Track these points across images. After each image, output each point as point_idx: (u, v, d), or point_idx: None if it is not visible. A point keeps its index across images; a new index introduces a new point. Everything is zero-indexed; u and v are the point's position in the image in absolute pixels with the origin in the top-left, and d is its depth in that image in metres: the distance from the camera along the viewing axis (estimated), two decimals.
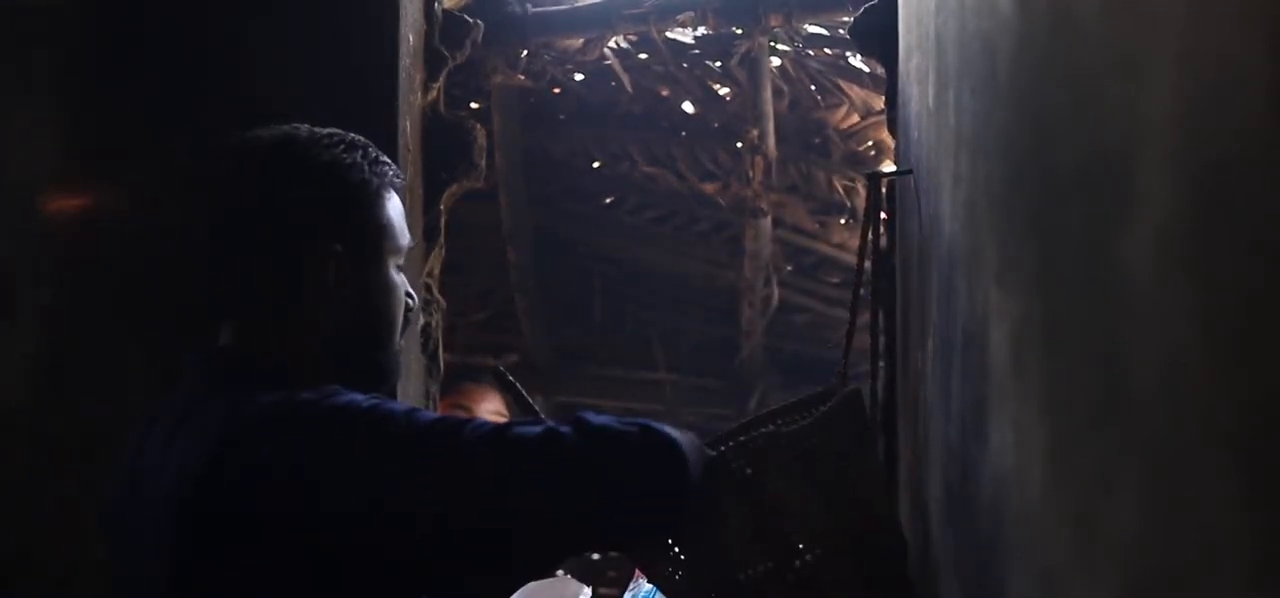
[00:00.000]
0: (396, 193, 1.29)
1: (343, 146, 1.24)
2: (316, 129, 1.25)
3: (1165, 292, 0.52)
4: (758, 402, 3.84)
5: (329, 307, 1.21)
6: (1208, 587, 0.47)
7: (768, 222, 3.44)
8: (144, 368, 1.97)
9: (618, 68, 3.15)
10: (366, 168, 1.24)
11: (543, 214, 3.75)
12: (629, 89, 3.27)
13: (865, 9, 2.18)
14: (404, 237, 1.28)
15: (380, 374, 1.27)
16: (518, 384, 1.47)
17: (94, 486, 1.31)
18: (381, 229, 1.25)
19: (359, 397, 1.13)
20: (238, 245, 1.22)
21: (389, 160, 1.29)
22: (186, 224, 1.30)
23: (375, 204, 1.25)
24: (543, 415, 1.37)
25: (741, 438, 1.35)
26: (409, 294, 1.30)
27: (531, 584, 2.29)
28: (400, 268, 1.28)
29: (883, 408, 1.80)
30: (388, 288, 1.26)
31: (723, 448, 1.31)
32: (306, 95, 1.97)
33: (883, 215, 1.72)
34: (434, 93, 2.19)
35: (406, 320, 1.31)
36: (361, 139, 1.27)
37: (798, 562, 1.31)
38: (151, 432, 1.21)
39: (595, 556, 4.65)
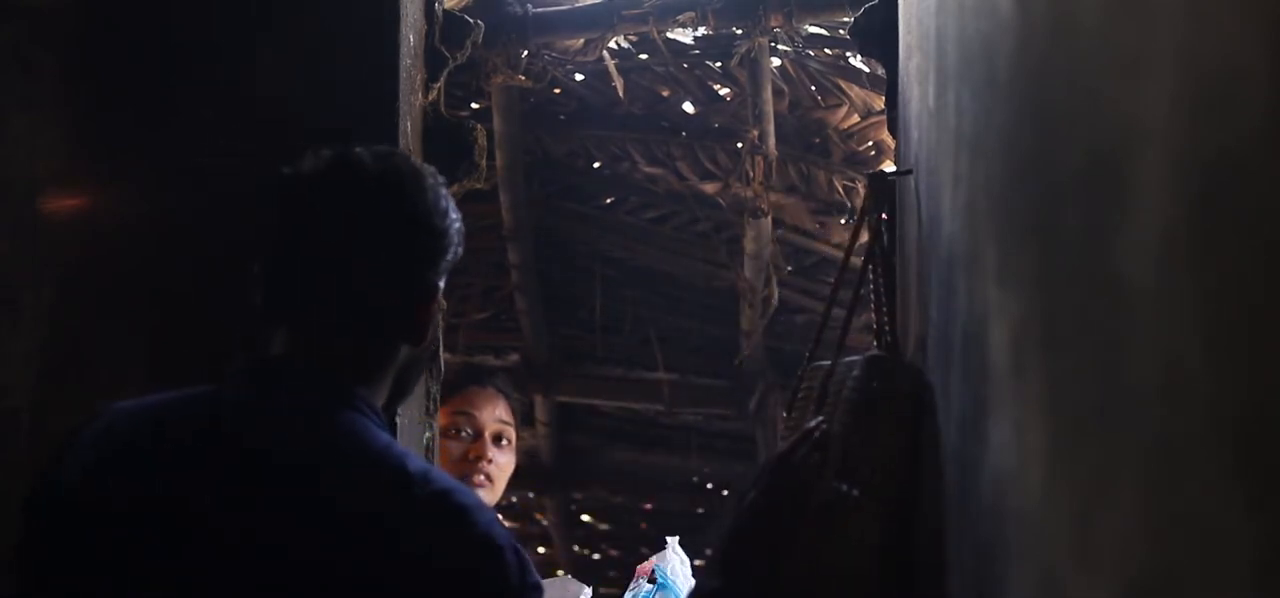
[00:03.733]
0: None
1: (444, 190, 1.28)
2: (424, 165, 1.29)
3: (1165, 292, 0.52)
4: (758, 402, 3.84)
5: (422, 338, 1.25)
6: (1208, 587, 0.47)
7: (768, 222, 3.44)
8: (145, 368, 1.97)
9: (613, 70, 3.15)
10: (458, 219, 1.29)
11: (543, 214, 3.75)
12: (622, 94, 3.27)
13: (865, 9, 2.18)
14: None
15: (405, 400, 1.35)
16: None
17: None
18: (446, 281, 1.31)
19: (508, 541, 1.15)
20: (347, 262, 1.22)
21: None
22: (275, 224, 1.25)
23: (456, 254, 1.30)
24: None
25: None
26: None
27: None
28: None
29: None
30: (437, 333, 1.35)
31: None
32: (307, 95, 1.97)
33: (883, 215, 1.72)
34: (434, 93, 2.19)
35: None
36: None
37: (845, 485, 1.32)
38: (154, 429, 1.20)
39: (596, 555, 4.65)
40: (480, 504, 1.16)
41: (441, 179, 1.29)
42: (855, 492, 1.32)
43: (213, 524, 1.12)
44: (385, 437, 1.18)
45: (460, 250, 1.30)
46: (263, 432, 1.16)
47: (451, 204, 1.28)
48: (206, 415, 1.19)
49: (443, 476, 1.18)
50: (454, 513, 1.12)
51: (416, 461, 1.17)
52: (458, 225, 1.28)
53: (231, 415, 1.18)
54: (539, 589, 1.15)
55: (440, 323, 1.34)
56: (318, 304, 1.22)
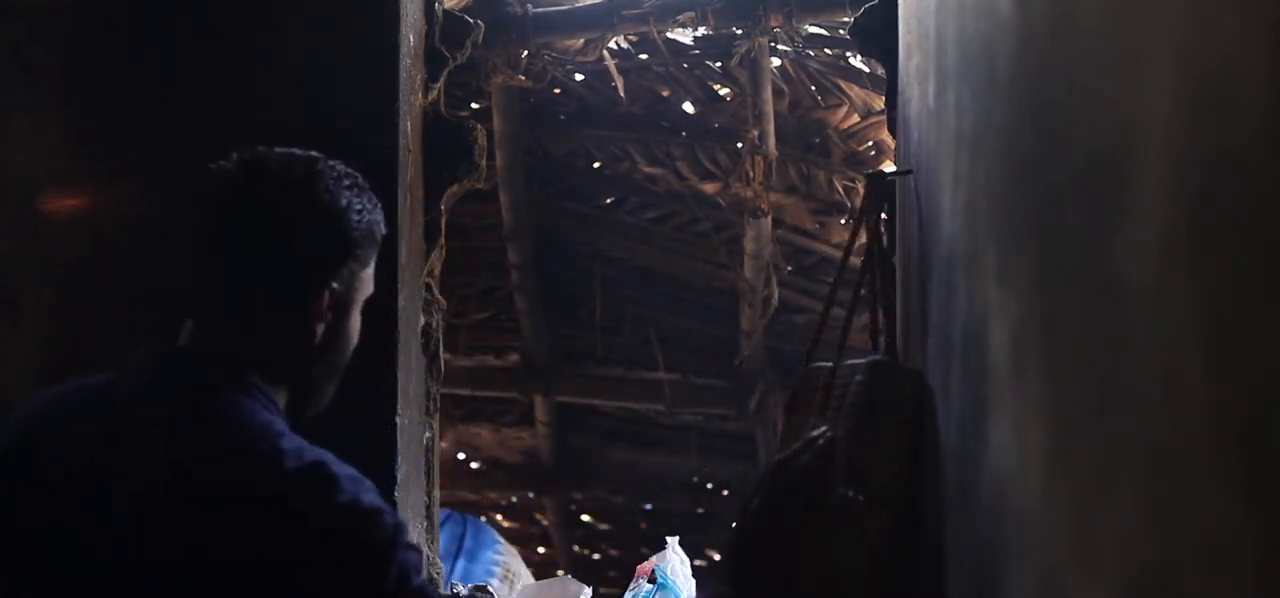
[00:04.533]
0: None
1: (358, 191, 1.31)
2: (338, 166, 1.31)
3: (1165, 291, 0.52)
4: (758, 402, 3.84)
5: (311, 339, 1.28)
6: (1208, 587, 0.47)
7: (768, 222, 3.44)
8: None
9: (613, 70, 3.16)
10: (375, 221, 1.33)
11: (543, 214, 3.75)
12: (622, 94, 3.27)
13: (865, 9, 2.18)
14: (371, 287, 1.36)
15: (315, 403, 1.37)
16: None
17: None
18: (366, 279, 1.33)
19: (381, 506, 1.19)
20: (246, 259, 1.27)
21: (382, 213, 1.36)
22: (194, 222, 1.32)
23: (370, 256, 1.33)
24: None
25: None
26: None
27: (533, 584, 2.30)
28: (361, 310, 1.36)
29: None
30: (354, 333, 1.34)
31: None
32: (307, 95, 1.97)
33: (882, 215, 1.72)
34: (434, 93, 2.19)
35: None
36: (369, 187, 1.34)
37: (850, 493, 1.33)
38: (62, 416, 1.25)
39: (596, 555, 4.66)
40: (353, 475, 1.19)
41: (350, 178, 1.31)
42: (860, 497, 1.33)
43: (93, 507, 1.18)
44: (266, 416, 1.22)
45: (368, 249, 1.31)
46: (147, 414, 1.22)
47: (359, 202, 1.30)
48: (102, 401, 1.26)
49: (319, 451, 1.21)
50: (324, 481, 1.16)
51: (294, 438, 1.21)
52: (362, 223, 1.30)
53: (123, 399, 1.24)
54: (416, 552, 1.20)
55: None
56: (211, 301, 1.29)
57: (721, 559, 1.36)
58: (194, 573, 1.15)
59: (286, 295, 1.28)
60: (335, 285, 1.28)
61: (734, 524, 1.36)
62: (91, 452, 1.21)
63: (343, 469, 1.19)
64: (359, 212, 1.30)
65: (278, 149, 1.30)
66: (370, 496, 1.18)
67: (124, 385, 1.26)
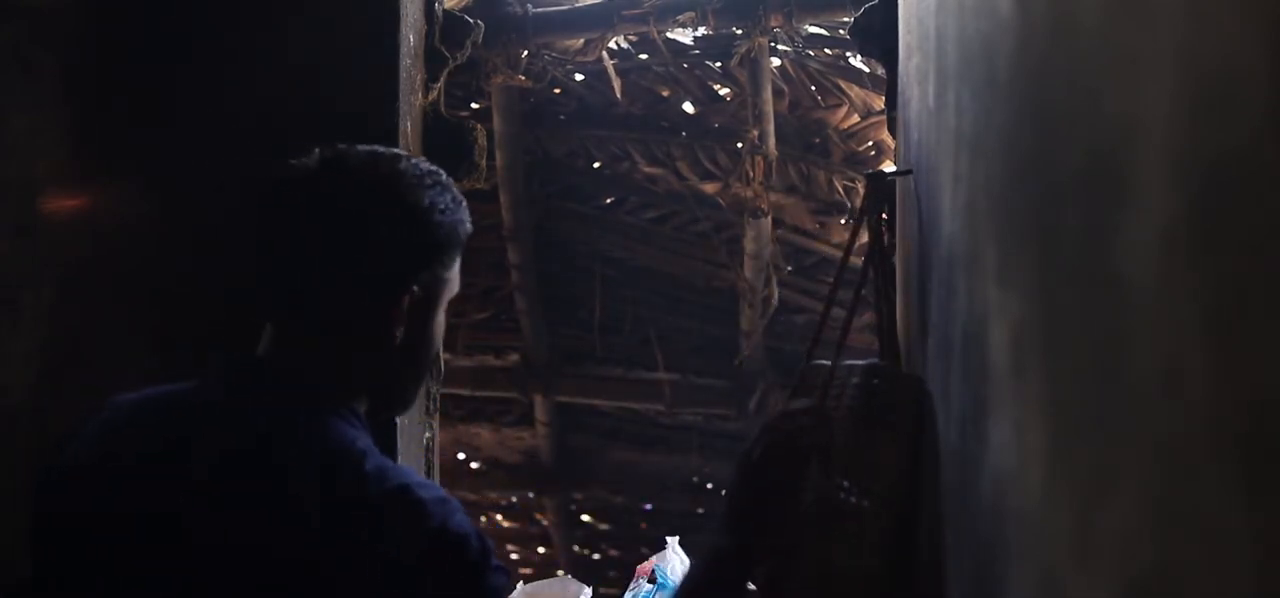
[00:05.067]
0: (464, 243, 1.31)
1: (441, 190, 1.26)
2: (421, 164, 1.27)
3: (1165, 292, 0.52)
4: (758, 402, 3.84)
5: (389, 343, 1.24)
6: (1208, 587, 0.47)
7: (768, 222, 3.44)
8: (145, 368, 1.97)
9: (611, 71, 3.16)
10: (458, 220, 1.28)
11: (543, 214, 3.75)
12: (620, 95, 3.27)
13: (865, 9, 2.18)
14: (457, 286, 1.31)
15: (401, 405, 1.35)
16: None
17: None
18: (450, 280, 1.29)
19: (469, 530, 1.15)
20: (325, 260, 1.22)
21: (468, 211, 1.31)
22: (270, 222, 1.26)
23: (453, 255, 1.29)
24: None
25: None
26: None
27: (533, 584, 2.30)
28: (444, 310, 1.31)
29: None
30: (438, 334, 1.30)
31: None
32: (307, 95, 1.97)
33: (882, 215, 1.72)
34: (434, 93, 2.19)
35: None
36: (453, 184, 1.30)
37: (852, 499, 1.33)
38: (142, 423, 1.22)
39: (596, 555, 4.66)
40: (440, 498, 1.15)
41: (433, 177, 1.27)
42: (864, 502, 1.33)
43: (173, 524, 1.15)
44: (349, 433, 1.18)
45: (452, 250, 1.27)
46: (226, 431, 1.18)
47: (442, 201, 1.25)
48: (181, 413, 1.22)
49: (402, 471, 1.18)
50: (411, 507, 1.12)
51: (376, 458, 1.17)
52: (445, 223, 1.25)
53: (200, 414, 1.21)
54: (503, 574, 1.16)
55: (438, 324, 1.31)
56: (291, 305, 1.24)
57: (722, 510, 1.36)
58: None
59: (367, 297, 1.23)
60: (416, 287, 1.24)
61: (733, 476, 1.36)
62: (160, 476, 1.17)
63: (429, 492, 1.15)
64: (443, 211, 1.25)
65: (362, 147, 1.26)
66: (458, 518, 1.14)
67: (196, 403, 1.22)
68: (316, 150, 1.26)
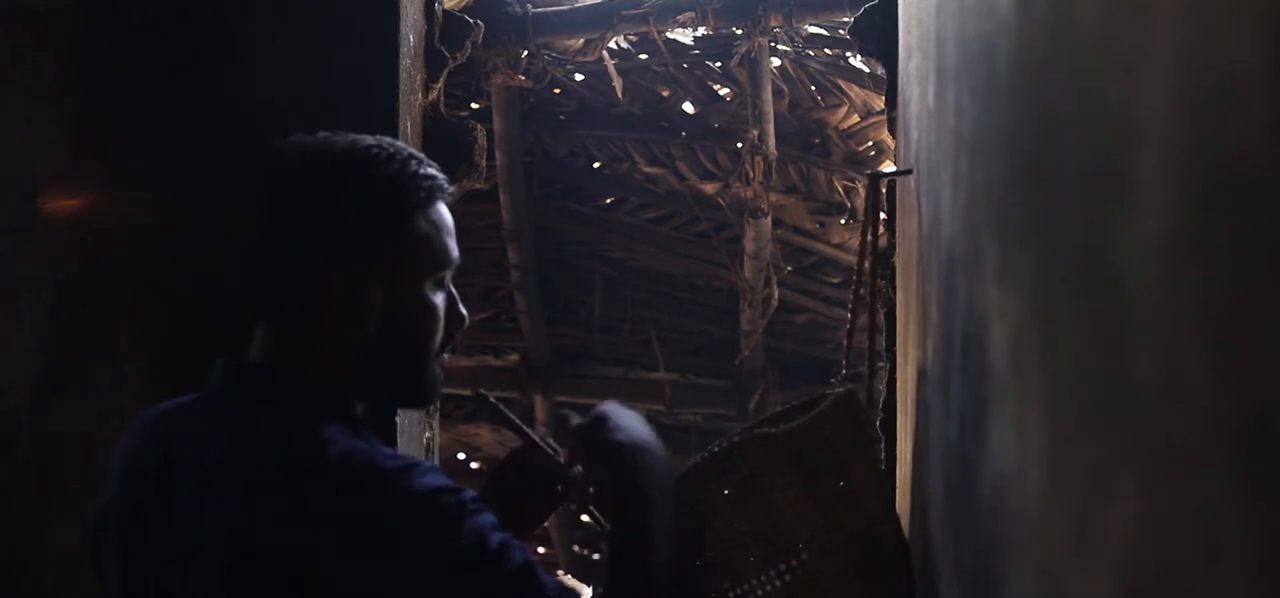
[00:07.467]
0: (441, 204, 1.24)
1: (382, 160, 1.20)
2: (358, 139, 1.22)
3: (1165, 292, 0.52)
4: (758, 402, 3.84)
5: (358, 326, 1.20)
6: (1208, 587, 0.47)
7: (768, 222, 3.44)
8: (144, 368, 1.97)
9: (612, 71, 3.15)
10: (404, 183, 1.21)
11: (543, 214, 3.75)
12: (620, 95, 3.27)
13: (865, 9, 2.19)
14: (446, 253, 1.24)
15: (412, 394, 1.31)
16: (507, 413, 1.51)
17: (95, 486, 1.31)
18: (416, 247, 1.21)
19: (425, 482, 1.12)
20: (268, 259, 1.21)
21: (435, 170, 1.24)
22: (230, 229, 1.27)
23: (411, 222, 1.21)
24: (534, 435, 1.40)
25: (735, 439, 1.36)
26: (460, 309, 1.28)
27: None
28: (440, 283, 1.25)
29: (882, 408, 1.81)
30: (421, 308, 1.23)
31: (717, 448, 1.33)
32: (307, 96, 1.97)
33: (882, 215, 1.72)
34: (434, 93, 2.19)
35: (450, 335, 1.28)
36: (405, 150, 1.23)
37: (794, 561, 1.33)
38: (160, 435, 1.22)
39: (596, 555, 4.65)
40: (407, 464, 1.13)
41: (377, 149, 1.21)
42: (804, 556, 1.35)
43: (170, 532, 1.15)
44: (324, 430, 1.14)
45: (408, 215, 1.20)
46: (209, 436, 1.18)
47: (385, 170, 1.20)
48: (185, 421, 1.22)
49: (371, 449, 1.15)
50: (378, 479, 1.11)
51: (343, 444, 1.13)
52: (388, 190, 1.20)
53: (193, 421, 1.21)
54: (489, 514, 1.13)
55: (426, 299, 1.26)
56: (253, 301, 1.22)
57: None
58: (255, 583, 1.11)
59: (315, 288, 1.18)
60: (367, 266, 1.19)
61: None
62: (161, 486, 1.18)
63: (394, 461, 1.13)
64: (382, 181, 1.19)
65: (321, 134, 1.22)
66: (426, 478, 1.12)
67: (197, 411, 1.23)
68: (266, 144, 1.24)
